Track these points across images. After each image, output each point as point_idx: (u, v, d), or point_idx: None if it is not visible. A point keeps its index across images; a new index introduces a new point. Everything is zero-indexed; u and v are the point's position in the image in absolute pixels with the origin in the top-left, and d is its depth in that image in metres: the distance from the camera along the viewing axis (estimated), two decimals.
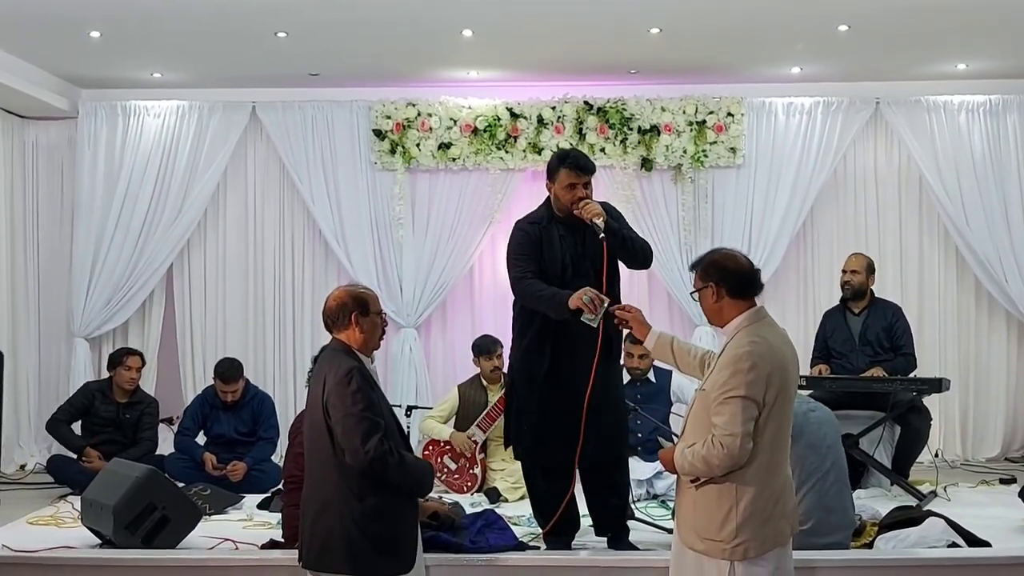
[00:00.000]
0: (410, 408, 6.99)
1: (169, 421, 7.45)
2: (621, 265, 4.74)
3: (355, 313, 3.79)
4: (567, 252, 4.58)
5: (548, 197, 4.70)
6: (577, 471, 4.69)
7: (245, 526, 5.38)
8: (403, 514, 3.73)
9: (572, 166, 4.56)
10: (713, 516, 3.38)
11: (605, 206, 4.74)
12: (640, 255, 4.62)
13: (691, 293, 3.64)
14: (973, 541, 4.47)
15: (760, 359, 3.33)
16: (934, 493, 5.98)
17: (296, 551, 3.85)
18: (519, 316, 4.69)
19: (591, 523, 4.85)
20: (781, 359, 3.38)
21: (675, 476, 3.64)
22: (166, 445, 6.92)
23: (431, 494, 5.02)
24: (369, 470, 3.58)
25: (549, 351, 4.55)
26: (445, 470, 6.34)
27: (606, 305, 4.21)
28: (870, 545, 4.58)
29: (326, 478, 3.68)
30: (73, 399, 6.77)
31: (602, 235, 4.39)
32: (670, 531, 4.07)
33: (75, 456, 6.56)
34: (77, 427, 6.80)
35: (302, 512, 3.82)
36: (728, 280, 3.48)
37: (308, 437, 3.84)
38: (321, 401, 3.68)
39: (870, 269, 6.47)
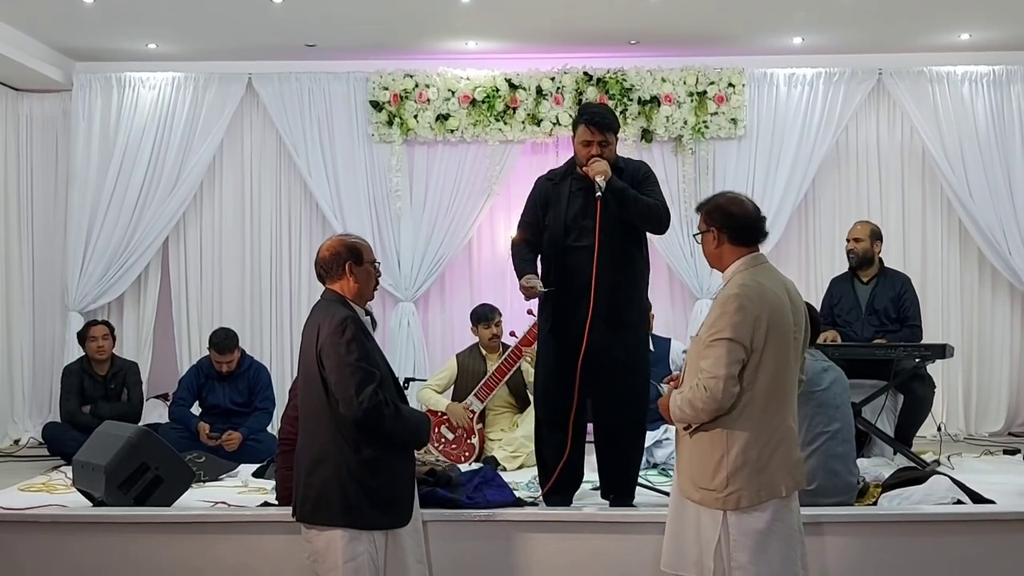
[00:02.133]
0: (408, 380, 6.93)
1: (164, 397, 7.39)
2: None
3: (349, 262, 3.72)
4: (573, 209, 4.50)
5: None
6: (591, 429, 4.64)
7: (240, 492, 5.31)
8: (400, 467, 3.67)
9: (587, 122, 4.48)
10: (706, 464, 3.34)
11: (636, 165, 4.66)
12: (647, 216, 4.46)
13: (694, 235, 3.59)
14: (978, 499, 4.40)
15: (748, 301, 3.28)
16: (937, 462, 5.91)
17: (290, 509, 3.79)
18: (542, 266, 4.65)
19: (593, 486, 4.81)
20: (773, 303, 3.32)
21: (674, 445, 3.60)
22: (162, 419, 6.86)
23: (428, 457, 5.02)
24: (364, 421, 3.52)
25: (552, 303, 4.52)
26: (443, 440, 6.27)
27: (541, 290, 4.45)
28: (874, 505, 4.51)
29: (321, 430, 3.62)
30: (66, 385, 6.68)
31: (599, 194, 4.31)
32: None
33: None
34: None
35: (296, 466, 3.76)
36: (730, 226, 3.44)
37: (302, 389, 3.78)
38: (315, 351, 3.62)
39: (875, 236, 6.37)
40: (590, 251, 4.36)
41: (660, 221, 4.51)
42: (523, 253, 4.66)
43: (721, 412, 3.29)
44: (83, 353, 6.82)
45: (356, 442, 3.56)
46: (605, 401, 4.48)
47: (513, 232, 7.60)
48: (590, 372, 4.39)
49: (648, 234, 4.66)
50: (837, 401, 4.57)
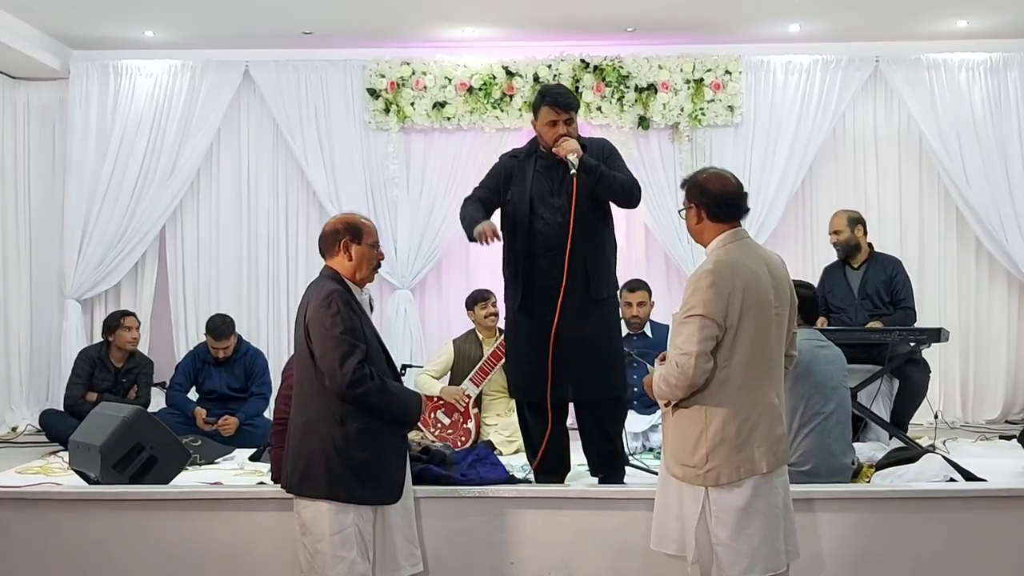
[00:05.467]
0: (404, 367, 6.91)
1: (162, 385, 7.40)
2: (617, 211, 4.69)
3: (346, 239, 3.74)
4: (539, 186, 4.52)
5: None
6: (572, 410, 4.66)
7: (236, 474, 5.35)
8: (387, 443, 3.66)
9: (551, 103, 4.50)
10: (687, 441, 3.35)
11: (599, 143, 4.68)
12: (621, 192, 4.49)
13: (679, 211, 3.60)
14: (970, 478, 4.41)
15: (720, 277, 3.28)
16: (933, 447, 5.92)
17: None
18: (503, 245, 4.67)
19: (586, 468, 4.82)
20: (747, 278, 3.31)
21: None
22: (159, 406, 6.86)
23: (425, 442, 5.02)
24: (347, 393, 3.53)
25: (521, 282, 4.52)
26: (439, 425, 6.28)
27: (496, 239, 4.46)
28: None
29: (309, 403, 3.65)
30: (78, 370, 6.65)
31: (573, 171, 4.33)
32: None
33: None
34: None
35: (288, 437, 3.78)
36: (709, 202, 3.44)
37: (296, 362, 3.80)
38: (303, 324, 3.65)
39: (853, 223, 6.37)
40: (559, 228, 4.40)
41: (632, 195, 4.54)
42: (474, 206, 4.65)
43: (694, 388, 3.29)
44: (103, 340, 6.77)
45: (342, 415, 3.58)
46: (582, 378, 4.47)
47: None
48: (566, 349, 4.40)
49: (625, 216, 4.71)
50: (834, 382, 4.58)
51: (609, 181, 4.44)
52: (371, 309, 4.31)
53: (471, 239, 4.52)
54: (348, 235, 3.74)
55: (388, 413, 3.64)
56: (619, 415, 4.72)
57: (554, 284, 4.39)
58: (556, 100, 4.50)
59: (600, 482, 4.61)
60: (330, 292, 3.60)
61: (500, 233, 4.50)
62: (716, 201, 3.42)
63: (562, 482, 4.59)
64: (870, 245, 6.42)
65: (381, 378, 3.61)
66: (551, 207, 4.47)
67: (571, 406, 4.71)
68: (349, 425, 3.57)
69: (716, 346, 3.28)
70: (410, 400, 3.77)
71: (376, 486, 3.62)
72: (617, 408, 4.69)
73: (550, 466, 4.58)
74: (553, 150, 4.45)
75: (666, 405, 3.44)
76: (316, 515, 3.59)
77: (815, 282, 6.78)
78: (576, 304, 4.38)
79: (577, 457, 4.78)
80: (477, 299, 6.42)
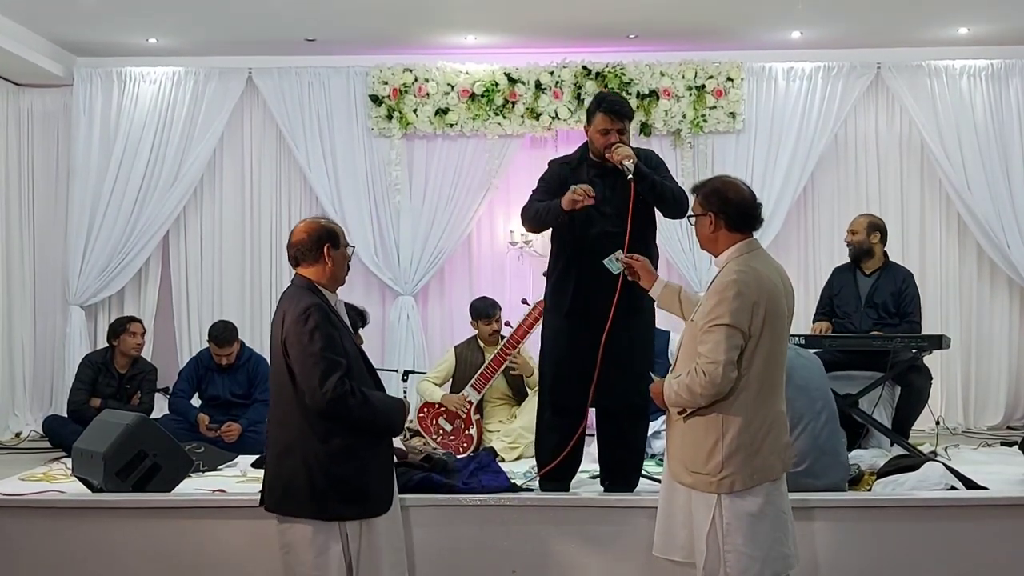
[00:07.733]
0: (406, 373, 6.93)
1: (165, 391, 7.41)
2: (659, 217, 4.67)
3: (328, 244, 3.64)
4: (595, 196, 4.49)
5: (587, 140, 4.64)
6: (592, 416, 4.64)
7: (239, 481, 5.34)
8: (371, 456, 3.59)
9: (607, 110, 4.48)
10: (700, 448, 3.35)
11: (646, 153, 4.67)
12: (671, 201, 4.47)
13: (688, 217, 3.60)
14: (971, 486, 4.41)
15: (746, 287, 3.29)
16: (935, 453, 5.92)
17: None
18: (552, 253, 4.65)
19: (591, 475, 4.83)
20: (770, 290, 3.34)
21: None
22: (162, 412, 6.88)
23: (427, 449, 5.03)
24: (329, 411, 3.46)
25: (572, 289, 4.49)
26: (440, 431, 6.28)
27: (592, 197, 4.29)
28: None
29: (289, 420, 3.56)
30: (82, 376, 6.67)
31: (630, 176, 4.31)
32: None
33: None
34: None
35: (267, 454, 3.71)
36: (728, 211, 3.43)
37: (271, 378, 3.69)
38: (280, 340, 3.56)
39: (872, 228, 6.33)
40: (612, 236, 4.34)
41: (681, 205, 4.49)
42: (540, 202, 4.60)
43: (719, 397, 3.30)
44: (107, 346, 6.80)
45: (325, 432, 3.50)
46: (611, 385, 4.45)
47: (513, 227, 7.72)
48: (609, 356, 4.37)
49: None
50: (816, 382, 4.60)
51: (661, 188, 4.44)
52: (365, 323, 4.28)
53: (560, 216, 4.41)
54: (329, 240, 3.66)
55: (373, 426, 3.57)
56: (642, 427, 4.67)
57: (603, 291, 4.33)
58: (612, 108, 4.49)
59: (607, 490, 4.60)
60: (307, 306, 3.51)
61: (592, 191, 4.37)
62: (738, 211, 3.42)
63: (567, 488, 4.58)
64: (886, 254, 6.39)
65: (363, 392, 3.52)
66: (603, 215, 4.45)
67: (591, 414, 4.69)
68: (332, 442, 3.49)
69: (739, 355, 3.29)
70: (393, 409, 3.67)
71: (363, 501, 3.56)
72: (640, 419, 4.63)
73: (559, 472, 4.55)
74: (606, 156, 4.44)
75: (679, 413, 3.44)
76: (299, 536, 3.55)
77: (820, 286, 6.80)
78: (622, 311, 4.34)
79: (583, 463, 4.77)
80: (482, 314, 6.40)
